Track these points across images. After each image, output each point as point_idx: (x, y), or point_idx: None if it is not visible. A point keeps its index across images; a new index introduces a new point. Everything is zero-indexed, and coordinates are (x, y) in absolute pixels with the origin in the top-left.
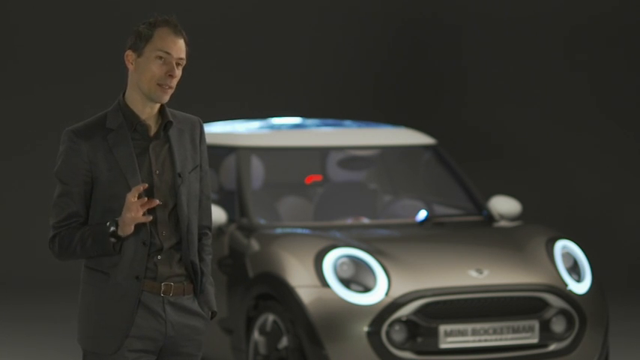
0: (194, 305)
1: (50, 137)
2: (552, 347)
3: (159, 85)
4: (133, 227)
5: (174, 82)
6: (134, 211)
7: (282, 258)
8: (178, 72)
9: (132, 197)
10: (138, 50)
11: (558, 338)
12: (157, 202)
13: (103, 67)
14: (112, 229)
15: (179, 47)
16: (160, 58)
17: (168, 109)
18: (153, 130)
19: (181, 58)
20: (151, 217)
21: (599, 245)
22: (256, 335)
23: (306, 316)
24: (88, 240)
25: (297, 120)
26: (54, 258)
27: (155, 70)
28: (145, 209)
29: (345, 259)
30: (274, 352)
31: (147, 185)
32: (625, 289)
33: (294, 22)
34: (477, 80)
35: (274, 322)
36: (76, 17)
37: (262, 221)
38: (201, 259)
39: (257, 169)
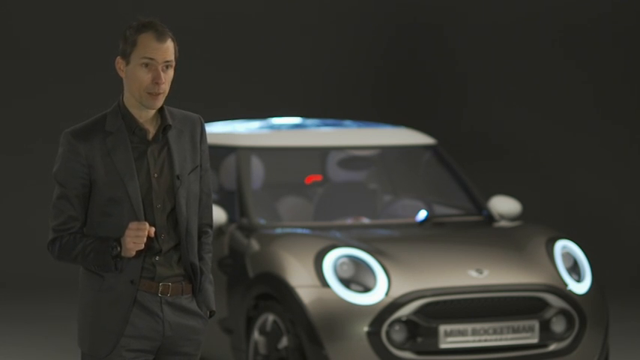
0: (192, 305)
1: (50, 138)
2: (552, 347)
3: (148, 93)
4: (135, 251)
5: (163, 88)
6: (129, 243)
7: (282, 258)
8: (167, 75)
9: (132, 225)
10: (126, 57)
11: (558, 338)
12: (153, 231)
13: (103, 68)
14: (116, 251)
15: (164, 51)
16: (146, 65)
17: (167, 109)
18: (151, 133)
19: (168, 61)
20: (142, 246)
21: (599, 245)
22: (256, 335)
23: (306, 316)
24: (90, 254)
25: (297, 120)
26: (52, 258)
27: (142, 77)
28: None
29: (345, 259)
30: (274, 352)
31: (153, 230)
32: (625, 289)
33: (294, 21)
34: (476, 80)
35: (274, 322)
36: (75, 17)
37: (262, 221)
38: (200, 258)
39: (257, 169)
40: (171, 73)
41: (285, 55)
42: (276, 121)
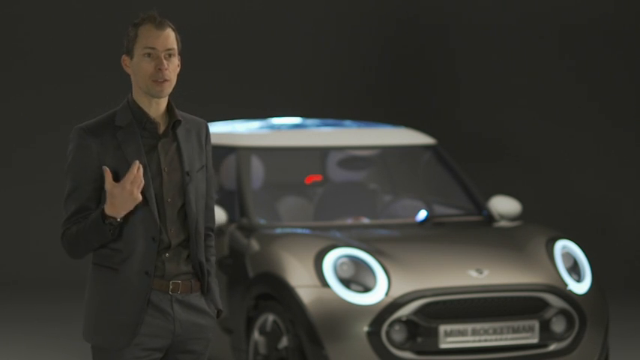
0: (201, 303)
1: (57, 136)
2: (552, 347)
3: (153, 81)
4: (122, 210)
5: (168, 74)
6: (123, 188)
7: (282, 258)
8: (171, 63)
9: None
10: (129, 53)
11: (558, 338)
12: (137, 164)
13: (104, 67)
14: (102, 207)
15: (164, 39)
16: (148, 55)
17: (176, 109)
18: (161, 128)
19: (170, 49)
20: (140, 198)
21: (599, 245)
22: (256, 335)
23: (306, 316)
24: (87, 227)
25: (297, 120)
26: (66, 258)
27: (145, 67)
28: (136, 186)
29: (345, 259)
30: (274, 352)
31: (142, 165)
32: (625, 289)
33: (294, 22)
34: (477, 80)
35: (274, 322)
36: (74, 17)
37: (262, 221)
38: (206, 260)
39: (257, 169)
40: (175, 61)
41: (285, 55)
42: (276, 121)
